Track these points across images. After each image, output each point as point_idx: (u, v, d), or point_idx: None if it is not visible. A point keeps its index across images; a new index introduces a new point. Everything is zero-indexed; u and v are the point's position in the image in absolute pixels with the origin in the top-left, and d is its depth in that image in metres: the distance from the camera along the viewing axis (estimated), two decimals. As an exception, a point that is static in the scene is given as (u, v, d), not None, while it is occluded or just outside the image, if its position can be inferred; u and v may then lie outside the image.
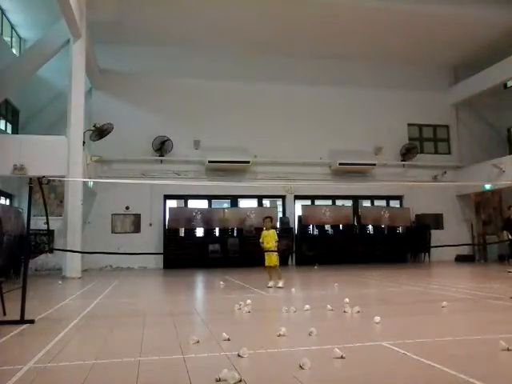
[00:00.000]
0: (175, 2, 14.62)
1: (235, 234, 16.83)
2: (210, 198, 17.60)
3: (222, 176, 16.94)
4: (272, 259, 8.99)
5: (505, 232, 12.40)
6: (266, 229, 9.26)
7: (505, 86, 19.53)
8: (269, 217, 9.57)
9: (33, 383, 3.03)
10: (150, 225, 16.84)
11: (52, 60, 14.03)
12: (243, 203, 18.15)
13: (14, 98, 15.48)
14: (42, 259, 14.32)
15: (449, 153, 19.88)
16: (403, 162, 18.86)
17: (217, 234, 16.78)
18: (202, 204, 17.65)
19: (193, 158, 17.24)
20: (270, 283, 8.90)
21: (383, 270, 13.35)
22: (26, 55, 14.52)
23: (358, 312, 5.51)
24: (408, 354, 3.55)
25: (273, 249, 9.02)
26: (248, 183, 15.96)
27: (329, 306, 5.80)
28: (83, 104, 13.17)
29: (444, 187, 18.32)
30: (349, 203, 18.54)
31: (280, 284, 8.80)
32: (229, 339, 4.10)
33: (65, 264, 12.34)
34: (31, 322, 5.13)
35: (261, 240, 9.26)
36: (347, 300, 6.17)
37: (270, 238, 9.11)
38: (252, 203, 18.11)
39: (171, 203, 17.48)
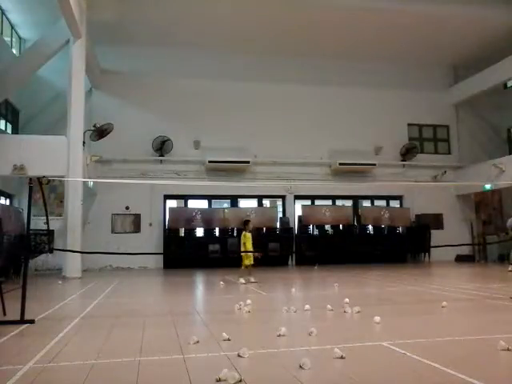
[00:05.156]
0: (175, 2, 14.62)
1: (235, 234, 16.82)
2: (210, 197, 17.59)
3: (222, 176, 16.93)
4: (251, 259, 10.21)
5: None
6: (248, 231, 10.38)
7: (505, 85, 19.54)
8: (250, 220, 11.06)
9: (33, 383, 3.03)
10: (150, 225, 16.84)
11: (52, 60, 14.02)
12: (243, 203, 18.15)
13: (14, 98, 15.47)
14: (42, 259, 14.33)
15: (449, 153, 19.88)
16: (403, 162, 18.86)
17: (217, 233, 16.77)
18: (202, 204, 17.64)
19: (193, 158, 17.24)
20: (242, 280, 9.87)
21: (383, 270, 13.35)
22: (25, 55, 14.51)
23: (358, 312, 5.52)
24: (408, 354, 3.55)
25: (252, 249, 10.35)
26: (248, 183, 15.95)
27: (329, 306, 5.80)
28: (83, 104, 13.17)
29: (444, 187, 18.31)
30: (349, 203, 18.53)
31: (242, 280, 9.91)
32: (229, 339, 4.10)
33: (65, 264, 12.34)
34: (31, 321, 5.13)
35: (245, 241, 10.25)
36: (347, 300, 6.17)
37: (250, 240, 10.30)
38: (252, 203, 18.11)
39: (171, 203, 17.48)
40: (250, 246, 10.24)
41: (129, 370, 3.27)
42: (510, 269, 12.07)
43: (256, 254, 10.31)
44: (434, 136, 20.00)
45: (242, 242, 10.39)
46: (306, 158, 17.91)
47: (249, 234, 10.32)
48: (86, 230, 14.85)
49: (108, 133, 15.10)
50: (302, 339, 4.22)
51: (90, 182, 14.63)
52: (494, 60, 17.12)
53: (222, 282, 9.84)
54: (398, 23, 15.99)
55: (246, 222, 10.64)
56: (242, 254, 10.32)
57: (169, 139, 16.90)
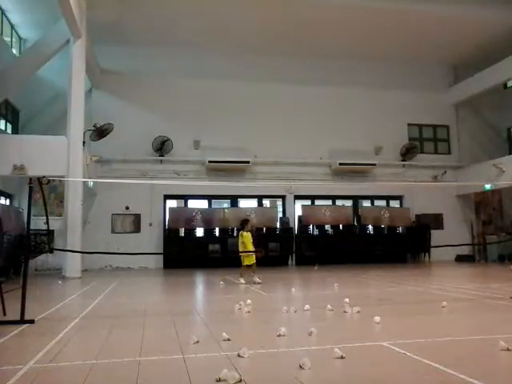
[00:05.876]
0: (175, 2, 14.62)
1: (235, 234, 16.80)
2: (210, 197, 17.59)
3: (222, 176, 16.94)
4: (253, 258, 10.01)
5: None
6: (246, 231, 10.21)
7: (505, 85, 19.54)
8: (249, 220, 10.82)
9: (33, 383, 3.03)
10: (150, 225, 16.84)
11: (52, 60, 14.02)
12: (243, 203, 18.15)
13: (14, 98, 15.47)
14: (42, 259, 14.32)
15: (449, 153, 19.88)
16: (403, 162, 18.87)
17: (217, 233, 16.76)
18: (202, 204, 17.65)
19: (193, 158, 17.24)
20: (242, 280, 9.78)
21: (383, 270, 13.35)
22: (25, 55, 14.51)
23: (358, 312, 5.52)
24: (408, 354, 3.55)
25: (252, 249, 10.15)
26: (248, 183, 15.96)
27: (329, 306, 5.79)
28: (83, 104, 13.16)
29: (444, 187, 18.31)
30: (349, 203, 18.54)
31: (243, 280, 9.77)
32: (229, 339, 4.10)
33: (65, 264, 12.34)
34: (31, 321, 5.13)
35: (243, 240, 10.10)
36: (347, 300, 6.17)
37: (249, 240, 10.14)
38: (252, 203, 18.11)
39: (171, 203, 17.48)
40: (249, 246, 10.09)
41: (129, 369, 3.27)
42: None
43: (257, 253, 10.19)
44: (434, 136, 20.00)
45: (239, 241, 10.23)
46: (306, 158, 17.91)
47: (246, 234, 10.16)
48: (85, 229, 14.85)
49: (108, 133, 15.10)
50: (302, 339, 4.22)
51: (90, 182, 14.63)
52: (494, 60, 17.12)
53: (221, 282, 9.84)
54: (398, 23, 16.00)
55: (245, 222, 10.49)
56: (241, 254, 10.15)
57: (169, 139, 16.90)
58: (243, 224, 10.42)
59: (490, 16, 15.80)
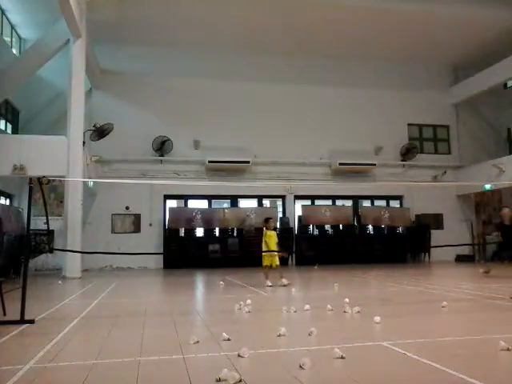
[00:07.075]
0: (175, 2, 14.63)
1: (235, 234, 16.83)
2: (210, 197, 17.60)
3: (222, 176, 16.95)
4: (276, 260, 9.43)
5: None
6: (270, 229, 9.64)
7: (505, 85, 19.55)
8: (271, 218, 10.13)
9: (33, 383, 3.03)
10: (150, 225, 16.84)
11: (52, 60, 14.02)
12: (243, 203, 18.16)
13: (14, 98, 15.47)
14: (42, 259, 14.33)
15: (449, 153, 19.89)
16: (403, 162, 18.87)
17: (217, 233, 16.77)
18: (202, 204, 17.65)
19: (193, 158, 17.24)
20: (268, 282, 9.11)
21: (383, 270, 13.35)
22: (25, 55, 14.51)
23: (358, 312, 5.51)
24: (408, 354, 3.55)
25: (275, 249, 9.45)
26: (248, 183, 15.96)
27: (329, 306, 5.79)
28: (83, 104, 13.16)
29: (444, 187, 18.32)
30: (349, 203, 18.54)
31: (285, 282, 9.01)
32: (229, 339, 4.10)
33: (65, 264, 12.34)
34: (31, 321, 5.13)
35: (266, 239, 9.55)
36: (347, 300, 6.17)
37: (273, 239, 9.53)
38: (252, 203, 18.11)
39: (171, 203, 17.48)
40: (273, 246, 9.51)
41: (129, 369, 3.26)
42: None
43: (280, 253, 9.62)
44: (434, 136, 20.00)
45: (263, 240, 9.61)
46: (306, 158, 17.92)
47: (270, 233, 9.58)
48: (85, 230, 14.85)
49: (108, 133, 15.10)
50: (302, 339, 4.22)
51: (90, 182, 14.62)
52: (494, 60, 17.13)
53: (221, 282, 9.84)
54: (399, 23, 16.01)
55: (267, 220, 9.87)
56: (263, 253, 9.52)
57: (169, 139, 16.90)
58: (265, 222, 9.87)
59: (489, 16, 15.80)
